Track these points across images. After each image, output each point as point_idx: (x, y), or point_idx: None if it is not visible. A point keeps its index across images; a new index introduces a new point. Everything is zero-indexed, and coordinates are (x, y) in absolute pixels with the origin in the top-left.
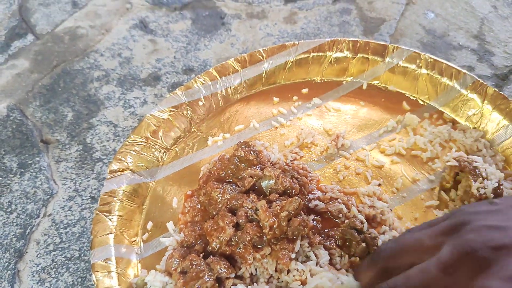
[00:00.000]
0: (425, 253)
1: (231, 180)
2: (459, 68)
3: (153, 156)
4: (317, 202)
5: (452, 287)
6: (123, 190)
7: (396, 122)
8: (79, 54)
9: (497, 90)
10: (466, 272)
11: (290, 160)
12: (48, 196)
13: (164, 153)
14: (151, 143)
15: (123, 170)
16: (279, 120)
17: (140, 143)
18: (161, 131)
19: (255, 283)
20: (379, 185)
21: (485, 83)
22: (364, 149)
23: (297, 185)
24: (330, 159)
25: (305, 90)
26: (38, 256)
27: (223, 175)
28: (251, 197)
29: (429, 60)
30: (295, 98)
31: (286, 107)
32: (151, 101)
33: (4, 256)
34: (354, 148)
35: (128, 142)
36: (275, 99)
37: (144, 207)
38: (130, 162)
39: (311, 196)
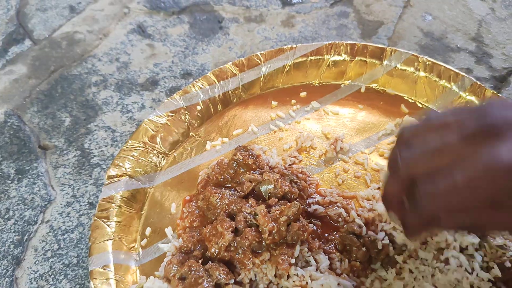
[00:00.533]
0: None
1: (229, 185)
2: (457, 71)
3: (151, 161)
4: (316, 206)
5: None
6: (121, 195)
7: (394, 125)
8: (76, 59)
9: (495, 92)
10: (479, 137)
11: (289, 164)
12: (46, 202)
13: (162, 158)
14: (149, 148)
15: (121, 176)
16: (278, 124)
17: (138, 148)
18: (159, 136)
19: None
20: (379, 188)
21: (483, 85)
22: (363, 153)
23: (296, 190)
24: (329, 163)
25: (303, 94)
26: (36, 263)
27: (221, 179)
28: (250, 202)
29: (427, 63)
30: (293, 101)
31: (285, 111)
32: (149, 105)
33: (1, 263)
34: (353, 151)
35: (126, 147)
36: (274, 103)
37: (142, 212)
38: (128, 168)
39: (310, 200)
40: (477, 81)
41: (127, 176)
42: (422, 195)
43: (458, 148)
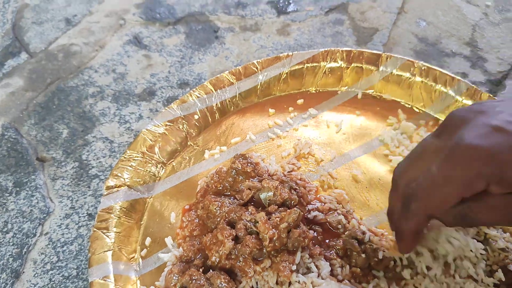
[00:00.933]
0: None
1: (229, 193)
2: (453, 75)
3: (149, 171)
4: (316, 212)
5: (440, 148)
6: (120, 206)
7: (392, 130)
8: (73, 71)
9: (491, 95)
10: (449, 131)
11: (288, 171)
12: (45, 215)
13: (161, 168)
14: (147, 158)
15: (120, 186)
16: (276, 132)
17: (136, 158)
18: (157, 145)
19: None
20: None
21: (479, 89)
22: (361, 158)
23: (296, 196)
24: (328, 168)
25: (300, 101)
26: (35, 275)
27: (220, 188)
28: (249, 210)
29: (422, 68)
30: (290, 109)
31: (282, 118)
32: (147, 116)
33: (0, 277)
34: (351, 157)
35: (124, 157)
36: (271, 110)
37: (142, 222)
38: (127, 178)
39: (310, 206)
40: (473, 85)
41: (126, 186)
42: (409, 196)
43: (433, 146)
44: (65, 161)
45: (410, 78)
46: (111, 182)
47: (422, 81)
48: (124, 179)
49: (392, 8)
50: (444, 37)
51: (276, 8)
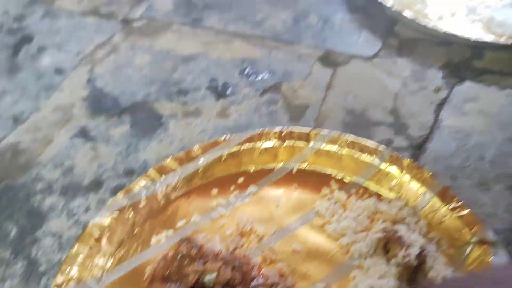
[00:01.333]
0: None
1: (176, 278)
2: (376, 145)
3: (97, 264)
4: None
5: None
6: None
7: (326, 200)
8: (21, 168)
9: (411, 160)
10: None
11: (232, 250)
12: None
13: (109, 259)
14: (95, 250)
15: (69, 281)
16: (219, 211)
17: (84, 252)
18: (104, 237)
19: None
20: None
21: (400, 155)
22: (299, 230)
23: (239, 275)
24: (269, 243)
25: (241, 180)
26: None
27: (167, 274)
28: None
29: (347, 141)
30: (232, 188)
31: (225, 198)
32: (94, 207)
33: None
34: (291, 230)
35: (72, 252)
36: (214, 191)
37: None
38: (75, 273)
39: (253, 283)
40: (395, 152)
41: (75, 281)
42: None
43: None
44: (14, 260)
45: (338, 151)
46: (59, 279)
47: (349, 153)
48: (72, 274)
49: (321, 84)
50: (370, 108)
51: (215, 93)
